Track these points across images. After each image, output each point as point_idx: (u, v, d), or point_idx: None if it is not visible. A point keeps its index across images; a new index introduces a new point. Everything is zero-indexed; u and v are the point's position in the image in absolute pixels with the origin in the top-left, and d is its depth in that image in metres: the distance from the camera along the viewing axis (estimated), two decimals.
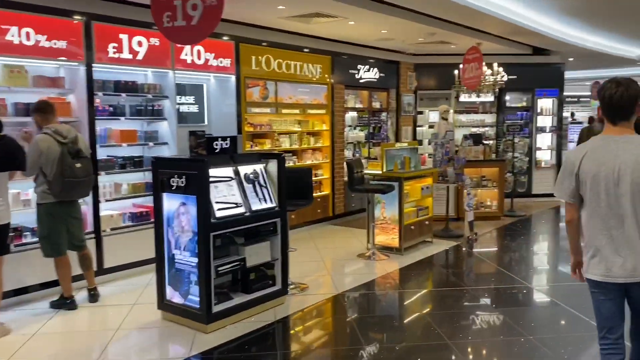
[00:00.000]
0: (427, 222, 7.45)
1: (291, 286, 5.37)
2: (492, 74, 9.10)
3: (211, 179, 4.39)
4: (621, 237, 2.57)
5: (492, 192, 9.32)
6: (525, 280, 5.77)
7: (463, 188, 8.10)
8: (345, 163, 6.99)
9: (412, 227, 7.10)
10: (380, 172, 6.97)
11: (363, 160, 9.30)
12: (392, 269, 6.30)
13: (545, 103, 11.26)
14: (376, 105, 10.05)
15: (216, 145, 4.60)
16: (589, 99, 21.91)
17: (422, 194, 7.29)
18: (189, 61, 6.50)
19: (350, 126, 9.66)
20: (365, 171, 7.14)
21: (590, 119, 18.46)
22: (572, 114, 19.95)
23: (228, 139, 4.69)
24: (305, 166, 8.42)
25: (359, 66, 9.38)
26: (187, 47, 6.40)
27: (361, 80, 9.46)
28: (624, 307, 2.71)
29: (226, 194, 4.56)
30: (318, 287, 5.60)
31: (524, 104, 11.30)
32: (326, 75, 8.64)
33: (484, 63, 8.58)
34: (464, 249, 7.36)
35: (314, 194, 8.51)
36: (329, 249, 7.31)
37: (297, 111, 8.25)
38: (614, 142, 2.59)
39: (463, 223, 8.39)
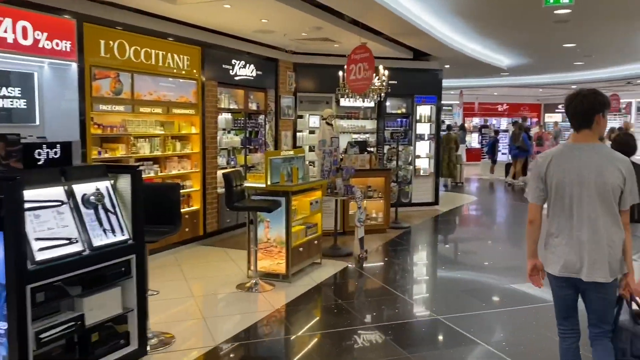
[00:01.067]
0: (316, 242, 6.50)
1: (152, 340, 4.07)
2: (379, 78, 8.47)
3: (28, 205, 2.99)
4: (580, 237, 2.77)
5: (378, 204, 8.69)
6: (430, 307, 5.06)
7: (353, 201, 7.31)
8: (222, 175, 5.78)
9: (301, 248, 6.11)
10: (264, 185, 5.87)
11: (241, 169, 8.14)
12: (279, 303, 5.23)
13: (424, 110, 11.00)
14: (253, 106, 8.94)
15: (39, 155, 3.20)
16: (450, 107, 22.90)
17: (311, 209, 6.33)
18: (9, 40, 4.85)
19: (224, 130, 8.44)
20: (246, 184, 6.00)
21: (449, 127, 19.13)
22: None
23: (58, 145, 3.29)
24: (170, 177, 7.04)
25: (234, 61, 8.20)
26: (6, 21, 4.77)
27: (236, 78, 8.29)
28: (576, 300, 2.92)
29: (53, 226, 3.16)
30: (188, 337, 4.35)
31: (404, 110, 10.94)
32: (195, 70, 7.34)
33: (375, 65, 7.88)
34: (355, 269, 6.54)
35: (182, 210, 7.18)
36: (201, 279, 6.04)
37: (159, 110, 6.85)
38: (577, 149, 2.81)
39: (349, 237, 7.63)
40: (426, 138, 11.01)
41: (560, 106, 24.75)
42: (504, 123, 24.08)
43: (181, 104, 7.18)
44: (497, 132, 18.71)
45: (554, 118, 24.06)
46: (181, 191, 7.18)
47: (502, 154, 18.30)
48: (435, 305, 5.26)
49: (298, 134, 10.10)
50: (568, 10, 6.99)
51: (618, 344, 2.87)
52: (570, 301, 2.92)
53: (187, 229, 7.25)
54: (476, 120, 24.34)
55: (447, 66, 11.67)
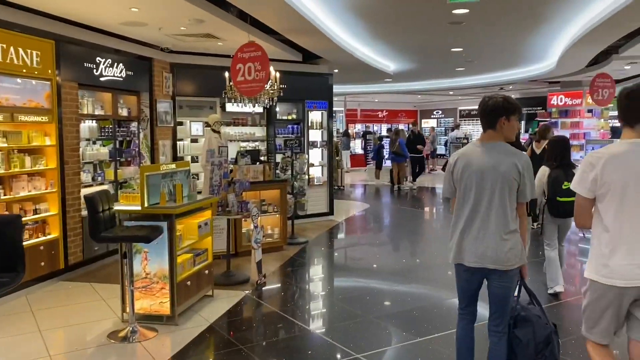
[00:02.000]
0: (206, 271, 5.51)
1: None
2: (270, 81, 7.65)
3: None
4: (480, 228, 2.99)
5: (274, 219, 7.86)
6: (343, 341, 4.34)
7: (248, 219, 6.41)
8: (84, 198, 4.59)
9: (189, 282, 5.09)
10: (139, 207, 4.78)
11: (110, 186, 6.88)
12: (163, 355, 4.18)
13: (316, 116, 10.40)
14: (124, 112, 7.67)
15: None
16: (339, 113, 22.78)
17: (199, 233, 5.33)
18: None
19: (88, 140, 7.10)
20: (117, 207, 4.86)
21: (345, 132, 19.05)
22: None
23: None
24: (18, 200, 5.64)
25: (98, 59, 6.92)
26: None
27: (102, 79, 7.01)
28: (478, 289, 3.16)
29: None
30: None
31: (295, 116, 10.26)
32: (48, 69, 6.00)
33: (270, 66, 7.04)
34: (253, 298, 5.66)
35: (35, 240, 5.81)
36: (62, 328, 4.78)
37: (0, 118, 5.45)
38: (481, 147, 3.06)
39: (243, 259, 6.76)
40: (318, 145, 10.42)
41: (435, 112, 25.81)
42: (384, 129, 24.54)
43: (30, 110, 5.80)
44: (381, 138, 18.78)
45: (430, 124, 25.00)
46: (34, 216, 5.83)
47: (387, 159, 18.36)
48: (348, 339, 4.54)
49: (179, 143, 8.96)
50: (466, 11, 6.73)
51: (521, 336, 3.03)
52: (468, 287, 3.17)
53: (42, 263, 5.88)
54: (359, 127, 24.53)
55: (336, 70, 11.19)
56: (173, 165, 5.32)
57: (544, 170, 5.33)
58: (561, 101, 14.88)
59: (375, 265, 7.34)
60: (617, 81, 11.71)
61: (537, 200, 5.50)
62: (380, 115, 25.14)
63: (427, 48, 9.99)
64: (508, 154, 2.98)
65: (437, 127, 24.97)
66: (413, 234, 9.81)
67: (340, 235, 9.55)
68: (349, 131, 22.51)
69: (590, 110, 14.51)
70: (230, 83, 7.31)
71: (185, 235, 5.15)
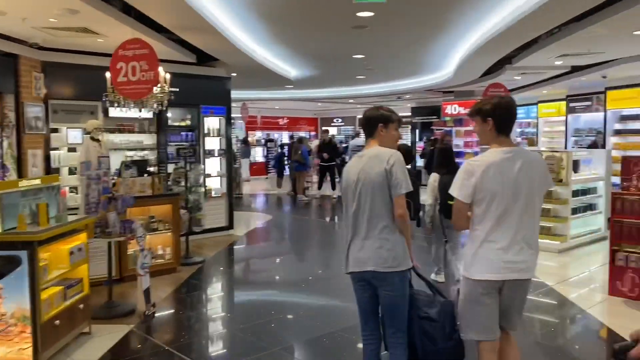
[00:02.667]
0: (82, 305, 4.64)
1: None
2: (160, 83, 6.86)
3: None
4: (361, 233, 3.06)
5: (165, 237, 7.05)
6: None
7: (133, 241, 5.60)
8: None
9: (58, 320, 4.22)
10: None
11: None
12: None
13: (212, 122, 9.68)
14: None
15: None
16: (232, 120, 22.00)
17: (71, 260, 4.47)
18: None
19: None
20: None
21: (245, 140, 18.33)
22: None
23: None
24: None
25: None
26: None
27: None
28: (375, 304, 3.13)
29: None
30: None
31: (189, 122, 9.45)
32: None
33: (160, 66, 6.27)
34: (140, 333, 4.88)
35: None
36: None
37: None
38: (361, 155, 3.17)
39: (129, 286, 5.95)
40: (216, 154, 9.70)
41: (335, 120, 25.89)
42: (285, 137, 24.16)
43: None
44: (282, 146, 18.31)
45: (330, 132, 25.00)
46: None
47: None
48: None
49: (53, 152, 7.85)
50: (371, 13, 6.43)
51: (435, 316, 3.07)
52: (366, 300, 3.12)
53: None
54: (259, 134, 23.93)
55: (234, 74, 10.55)
56: (37, 181, 4.42)
57: (434, 177, 5.80)
58: (455, 110, 15.35)
59: (279, 284, 6.80)
60: (509, 91, 12.17)
61: (427, 204, 5.94)
62: (281, 123, 24.73)
63: (329, 54, 9.68)
64: (379, 159, 3.03)
65: (337, 135, 25.03)
66: (318, 246, 9.41)
67: (242, 252, 8.91)
68: (249, 139, 21.85)
69: None
70: (112, 85, 6.44)
71: (53, 265, 4.28)
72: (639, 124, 11.86)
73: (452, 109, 15.32)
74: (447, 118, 15.42)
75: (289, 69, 11.73)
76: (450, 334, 3.04)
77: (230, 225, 9.75)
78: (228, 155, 9.85)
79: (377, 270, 2.97)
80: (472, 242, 2.89)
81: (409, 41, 8.55)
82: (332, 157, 14.68)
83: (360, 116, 17.58)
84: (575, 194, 8.44)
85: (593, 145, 11.89)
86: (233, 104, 12.42)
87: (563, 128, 15.43)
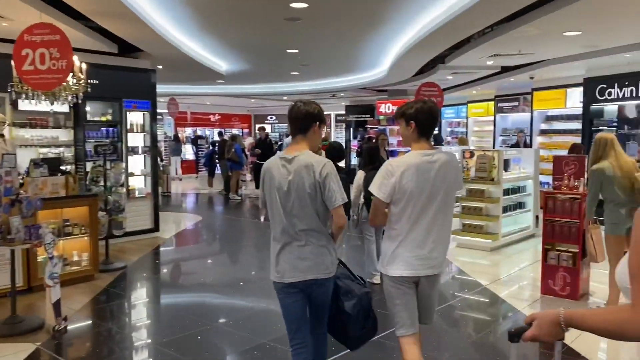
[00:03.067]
0: None
1: None
2: (74, 74, 6.25)
3: None
4: (294, 242, 2.95)
5: (81, 242, 6.46)
6: None
7: (40, 248, 5.00)
8: None
9: None
10: None
11: None
12: None
13: (136, 117, 9.06)
14: None
15: None
16: (160, 117, 21.09)
17: None
18: None
19: None
20: None
21: (175, 136, 17.54)
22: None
23: None
24: None
25: None
26: None
27: None
28: (305, 306, 3.04)
29: None
30: None
31: (110, 117, 8.78)
32: None
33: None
34: (49, 353, 4.35)
35: None
36: None
37: None
38: (291, 159, 2.95)
39: (38, 297, 5.37)
40: (140, 151, 9.08)
41: (269, 117, 25.47)
42: (216, 134, 23.52)
43: None
44: (214, 143, 17.65)
45: (266, 129, 24.54)
46: None
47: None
48: None
49: None
50: (305, 5, 6.14)
51: (350, 309, 3.02)
52: (297, 308, 3.02)
53: None
54: (189, 131, 23.12)
55: (160, 67, 9.97)
56: None
57: (360, 174, 5.95)
58: (389, 109, 15.39)
59: (208, 290, 6.39)
60: (442, 90, 12.24)
61: (358, 200, 6.01)
62: (212, 119, 24.02)
63: (262, 47, 9.32)
64: (307, 167, 2.92)
65: (272, 132, 24.63)
66: (250, 247, 9.02)
67: (168, 255, 8.39)
68: (179, 135, 21.04)
69: None
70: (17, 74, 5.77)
71: None
72: (563, 124, 12.32)
73: (386, 107, 15.34)
74: (381, 117, 15.43)
75: (220, 63, 11.25)
76: (364, 323, 3.07)
77: (155, 228, 9.18)
78: (153, 152, 9.26)
79: (319, 277, 2.95)
80: (391, 241, 2.97)
81: (344, 36, 8.35)
82: (268, 155, 14.25)
83: None
84: (506, 192, 8.55)
85: (516, 145, 12.23)
86: (160, 99, 11.82)
87: (491, 128, 15.86)
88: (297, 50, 9.44)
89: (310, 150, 3.00)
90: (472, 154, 8.71)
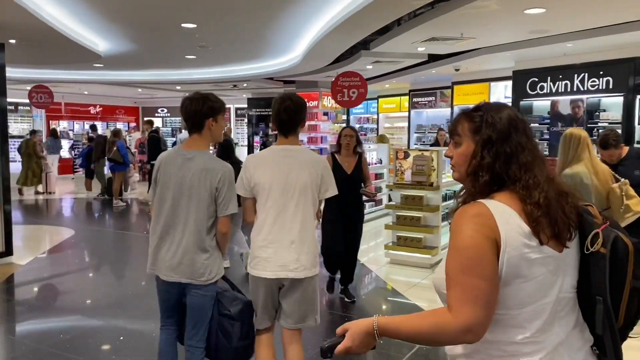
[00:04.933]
0: None
1: None
2: None
3: None
4: (175, 236, 2.86)
5: None
6: None
7: None
8: None
9: None
10: None
11: None
12: None
13: None
14: None
15: None
16: (29, 108, 17.94)
17: None
18: None
19: None
20: None
21: (33, 132, 14.70)
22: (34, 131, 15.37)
23: None
24: None
25: None
26: None
27: None
28: (180, 302, 2.96)
29: None
30: None
31: None
32: None
33: None
34: None
35: None
36: None
37: None
38: (191, 158, 2.86)
39: None
40: None
41: (160, 110, 22.98)
42: (99, 128, 20.68)
43: None
44: (91, 139, 14.92)
45: (155, 123, 22.03)
46: None
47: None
48: None
49: None
50: None
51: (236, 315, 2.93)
52: (174, 301, 2.97)
53: None
54: (64, 124, 20.03)
55: (12, 41, 7.65)
56: None
57: None
58: None
59: (74, 338, 4.46)
60: (365, 80, 10.87)
61: None
62: (93, 112, 21.08)
63: (150, 20, 7.39)
64: (210, 171, 2.83)
65: (163, 127, 22.22)
66: (134, 271, 7.04)
67: (23, 290, 6.21)
68: (57, 130, 17.96)
69: (326, 114, 13.90)
70: None
71: None
72: None
73: None
74: None
75: (96, 40, 9.07)
76: (247, 333, 2.98)
77: (7, 251, 6.95)
78: (1, 152, 6.99)
79: (194, 282, 2.86)
80: (253, 239, 2.97)
81: (252, 12, 6.71)
82: (157, 154, 12.16)
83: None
84: (444, 198, 7.43)
85: (435, 144, 11.31)
86: (13, 86, 9.37)
87: (404, 124, 15.00)
88: (194, 25, 7.61)
89: (208, 149, 2.97)
90: (406, 154, 7.47)
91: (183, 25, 7.56)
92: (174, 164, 2.85)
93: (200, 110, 2.82)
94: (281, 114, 2.93)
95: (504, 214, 1.40)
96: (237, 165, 5.31)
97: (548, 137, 9.22)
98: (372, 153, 10.32)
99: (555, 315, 1.43)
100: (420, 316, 1.42)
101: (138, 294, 5.87)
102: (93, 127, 14.64)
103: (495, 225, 1.38)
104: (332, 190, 3.01)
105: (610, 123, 8.25)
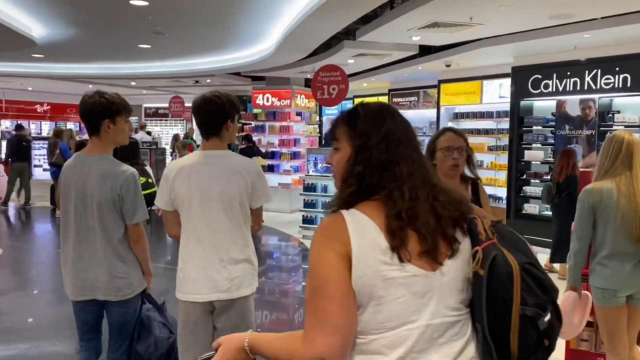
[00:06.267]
0: None
1: None
2: None
3: None
4: (84, 251, 2.66)
5: None
6: None
7: None
8: None
9: None
10: None
11: None
12: None
13: None
14: None
15: None
16: None
17: None
18: None
19: None
20: None
21: None
22: None
23: None
24: None
25: None
26: None
27: None
28: (96, 324, 2.82)
29: None
30: None
31: None
32: None
33: None
34: None
35: None
36: None
37: None
38: (85, 163, 2.66)
39: None
40: None
41: None
42: (45, 127, 18.80)
43: None
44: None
45: None
46: None
47: (45, 170, 13.04)
48: None
49: None
50: None
51: (142, 350, 2.76)
52: (92, 321, 2.81)
53: None
54: (7, 124, 18.12)
55: None
56: None
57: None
58: (267, 101, 12.58)
59: None
60: (347, 77, 9.59)
61: None
62: (40, 110, 19.22)
63: None
64: (108, 176, 2.61)
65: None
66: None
67: None
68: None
69: (299, 114, 12.62)
70: None
71: None
72: (475, 123, 10.50)
73: (264, 99, 12.50)
74: (258, 110, 12.58)
75: (28, 23, 7.55)
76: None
77: None
78: None
79: (111, 299, 2.69)
80: (180, 257, 2.65)
81: None
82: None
83: (148, 105, 14.31)
84: None
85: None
86: None
87: None
88: (145, 3, 6.22)
89: (109, 153, 2.69)
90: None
91: (132, 2, 6.16)
92: (74, 171, 2.66)
93: (94, 109, 2.59)
94: (199, 114, 2.59)
95: (361, 227, 1.28)
96: (140, 167, 5.08)
97: (553, 141, 8.18)
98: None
99: (431, 343, 1.28)
100: (282, 339, 1.35)
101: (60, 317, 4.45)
102: (19, 127, 12.71)
103: (347, 239, 1.26)
104: (266, 198, 2.70)
105: (626, 126, 7.26)
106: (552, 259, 6.52)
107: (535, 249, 6.39)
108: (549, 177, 8.24)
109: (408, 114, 12.82)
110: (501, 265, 1.26)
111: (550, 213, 8.09)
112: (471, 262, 1.31)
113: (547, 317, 1.26)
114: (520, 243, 1.35)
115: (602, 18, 6.17)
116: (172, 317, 2.90)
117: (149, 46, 9.25)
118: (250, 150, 10.31)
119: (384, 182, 1.31)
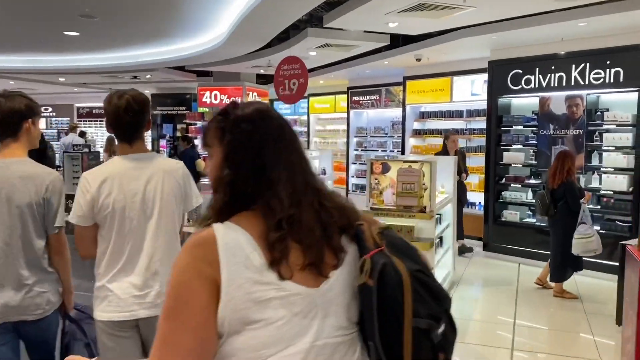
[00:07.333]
0: None
1: None
2: None
3: None
4: (8, 273, 2.39)
5: None
6: None
7: None
8: None
9: None
10: None
11: None
12: None
13: None
14: None
15: None
16: None
17: None
18: None
19: None
20: None
21: None
22: None
23: None
24: None
25: None
26: None
27: None
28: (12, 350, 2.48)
29: None
30: None
31: None
32: None
33: None
34: None
35: None
36: None
37: None
38: (4, 164, 2.44)
39: None
40: None
41: (43, 109, 19.30)
42: None
43: None
44: None
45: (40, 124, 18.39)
46: None
47: None
48: None
49: None
50: None
51: None
52: (9, 351, 2.44)
53: None
54: None
55: None
56: None
57: None
58: (215, 98, 11.39)
59: None
60: (308, 71, 8.52)
61: None
62: None
63: None
64: (34, 179, 2.38)
65: (48, 129, 18.68)
66: None
67: None
68: None
69: None
70: None
71: None
72: (443, 123, 9.74)
73: (212, 96, 11.32)
74: (205, 109, 11.38)
75: None
76: None
77: None
78: None
79: (28, 319, 2.40)
80: (97, 274, 2.39)
81: None
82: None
83: (80, 105, 12.67)
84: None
85: (442, 152, 9.05)
86: None
87: (340, 126, 12.98)
88: None
89: (26, 157, 2.44)
90: (385, 166, 5.32)
91: None
92: None
93: (17, 109, 2.40)
94: (122, 114, 2.32)
95: (233, 243, 1.12)
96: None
97: (536, 142, 7.49)
98: (314, 161, 8.26)
99: None
100: None
101: None
102: None
103: (216, 259, 1.10)
104: (197, 199, 2.53)
105: (618, 125, 6.65)
106: (553, 278, 5.76)
107: (517, 259, 5.52)
108: (531, 181, 7.58)
109: (369, 113, 12.01)
110: (391, 274, 1.13)
111: (534, 220, 7.49)
112: (359, 273, 1.16)
113: (441, 329, 1.14)
114: (409, 249, 1.23)
115: (605, 2, 5.47)
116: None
117: (77, 33, 7.89)
118: (193, 151, 9.24)
119: (260, 189, 1.18)
